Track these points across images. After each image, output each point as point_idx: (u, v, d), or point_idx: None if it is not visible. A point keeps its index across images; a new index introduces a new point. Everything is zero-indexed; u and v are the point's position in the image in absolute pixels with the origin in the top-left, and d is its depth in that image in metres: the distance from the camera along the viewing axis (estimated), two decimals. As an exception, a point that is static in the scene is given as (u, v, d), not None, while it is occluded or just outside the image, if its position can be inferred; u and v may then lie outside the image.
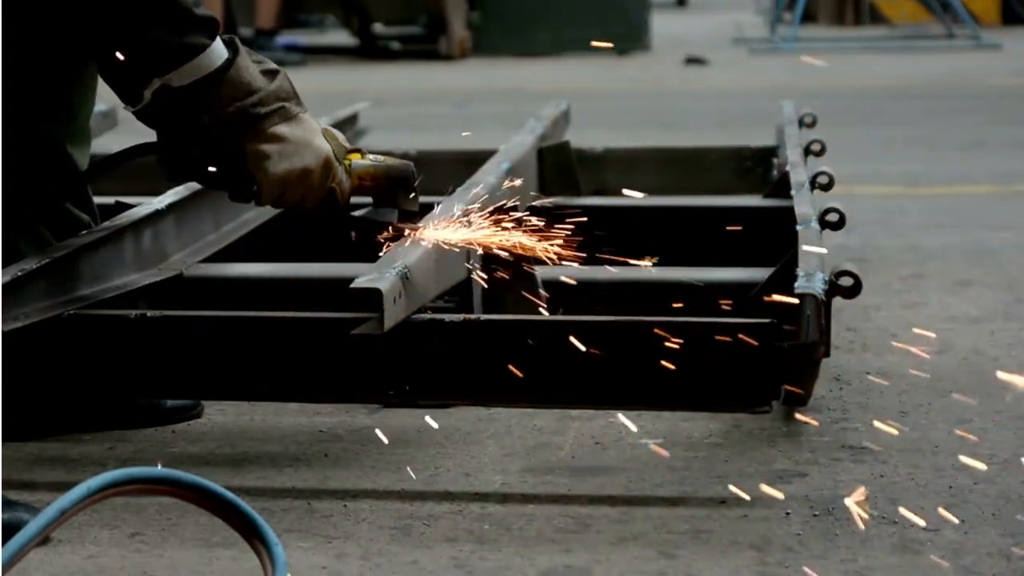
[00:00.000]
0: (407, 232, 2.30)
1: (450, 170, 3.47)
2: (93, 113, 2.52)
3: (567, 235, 2.38)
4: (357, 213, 2.32)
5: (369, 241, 2.31)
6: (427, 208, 2.44)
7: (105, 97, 2.54)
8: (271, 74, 2.21)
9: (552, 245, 2.35)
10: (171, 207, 2.61)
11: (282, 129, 2.19)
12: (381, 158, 2.33)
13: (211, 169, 2.20)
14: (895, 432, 2.40)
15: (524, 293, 2.50)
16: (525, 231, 2.37)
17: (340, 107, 4.03)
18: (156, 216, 2.56)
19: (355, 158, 2.30)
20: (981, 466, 2.18)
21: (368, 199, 2.34)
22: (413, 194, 2.33)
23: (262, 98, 2.17)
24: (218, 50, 2.15)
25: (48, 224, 2.39)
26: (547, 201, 2.87)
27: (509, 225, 2.36)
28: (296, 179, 2.21)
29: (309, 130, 2.22)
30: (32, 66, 2.33)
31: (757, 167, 3.74)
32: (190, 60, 2.12)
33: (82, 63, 2.42)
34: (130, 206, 2.61)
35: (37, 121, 2.37)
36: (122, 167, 2.37)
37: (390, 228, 2.31)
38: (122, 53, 2.15)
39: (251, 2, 10.99)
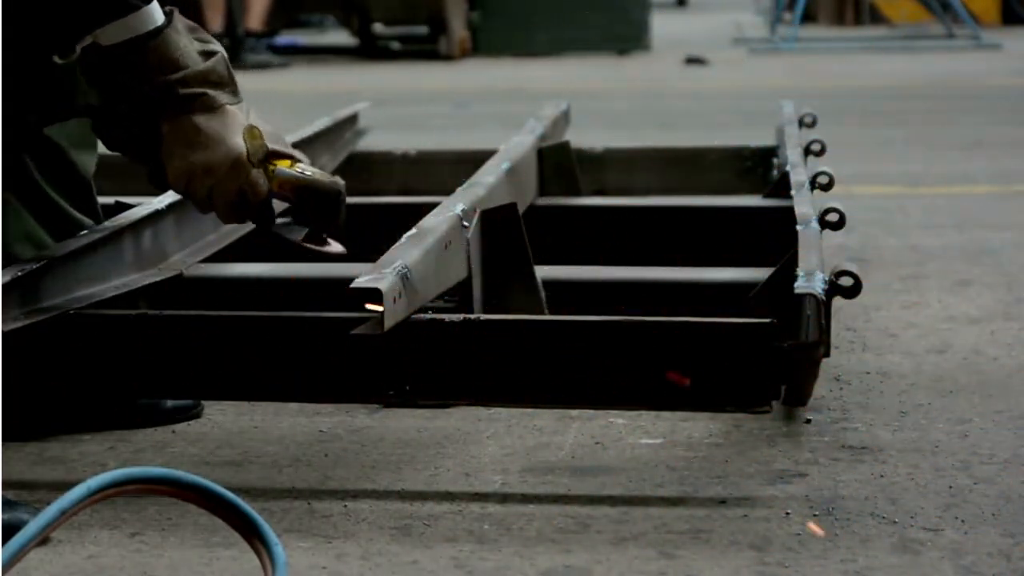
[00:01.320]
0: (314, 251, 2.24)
1: (450, 170, 3.47)
2: None
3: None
4: (279, 222, 2.25)
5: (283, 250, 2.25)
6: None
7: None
8: (207, 55, 2.13)
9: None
10: (171, 207, 2.61)
11: (199, 119, 2.11)
12: (314, 172, 2.23)
13: (132, 141, 2.15)
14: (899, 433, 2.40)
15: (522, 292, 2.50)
16: None
17: (340, 107, 4.03)
18: (156, 216, 2.56)
19: (283, 165, 2.21)
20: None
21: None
22: (333, 215, 2.23)
23: (187, 76, 2.09)
24: (153, 16, 2.07)
25: (51, 230, 2.39)
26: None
27: None
28: (200, 173, 2.13)
29: (227, 125, 2.14)
30: (36, 67, 2.33)
31: (757, 167, 3.74)
32: (121, 17, 2.05)
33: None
34: (130, 206, 2.61)
35: (40, 124, 2.37)
36: (112, 160, 2.34)
37: (294, 245, 2.24)
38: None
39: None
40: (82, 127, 2.45)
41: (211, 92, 2.13)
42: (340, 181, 2.25)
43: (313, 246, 2.25)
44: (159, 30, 2.08)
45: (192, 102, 2.11)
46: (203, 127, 2.12)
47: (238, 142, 2.15)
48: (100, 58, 2.10)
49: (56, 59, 2.15)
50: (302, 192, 2.21)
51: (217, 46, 2.18)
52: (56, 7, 2.08)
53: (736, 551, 1.96)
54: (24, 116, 2.33)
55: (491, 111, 7.77)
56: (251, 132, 2.17)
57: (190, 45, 2.12)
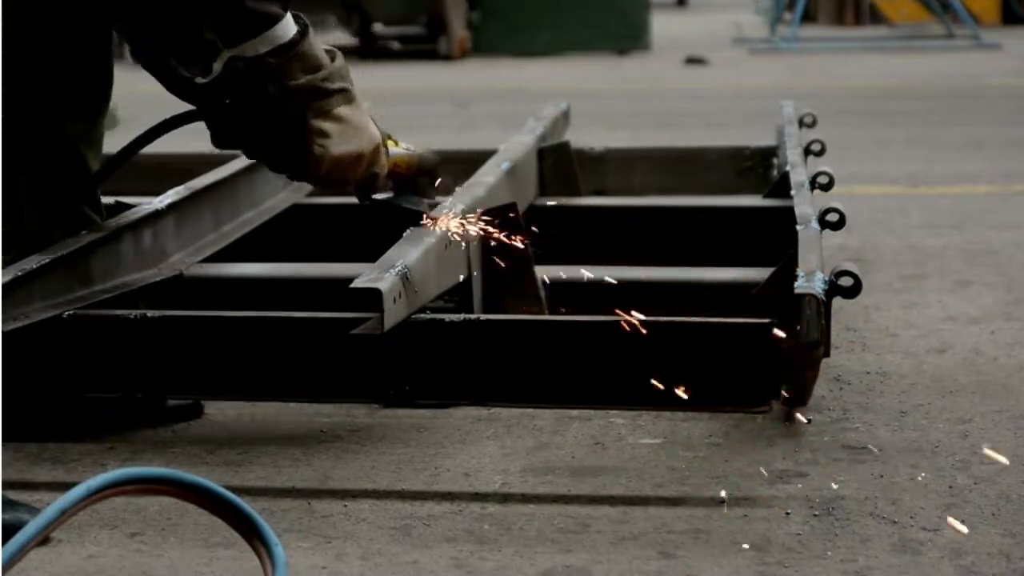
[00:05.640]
0: (436, 220, 2.36)
1: (450, 170, 3.47)
2: None
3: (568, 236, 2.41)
4: (380, 197, 2.37)
5: (390, 226, 2.35)
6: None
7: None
8: (330, 53, 2.24)
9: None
10: (171, 207, 2.62)
11: (343, 111, 2.22)
12: (411, 147, 2.39)
13: (266, 140, 2.22)
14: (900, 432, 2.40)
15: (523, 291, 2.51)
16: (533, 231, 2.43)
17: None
18: (156, 216, 2.56)
19: (391, 145, 2.35)
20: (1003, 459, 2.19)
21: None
22: (438, 184, 2.43)
23: (329, 74, 2.20)
24: (290, 22, 2.17)
25: (60, 224, 2.40)
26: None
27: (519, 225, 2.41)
28: (350, 161, 2.24)
29: (364, 114, 2.27)
30: (61, 70, 2.36)
31: (757, 167, 3.74)
32: (267, 30, 2.14)
33: (104, 68, 2.44)
34: (130, 206, 2.61)
35: (60, 124, 2.40)
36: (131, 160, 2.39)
37: (421, 216, 2.37)
38: (203, 20, 2.16)
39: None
40: (92, 126, 2.48)
41: (347, 86, 2.23)
42: (436, 154, 2.43)
43: (431, 214, 2.40)
44: (301, 35, 2.17)
45: (337, 95, 2.21)
46: (349, 117, 2.23)
47: (375, 129, 2.29)
48: (247, 68, 2.16)
49: (199, 79, 2.21)
50: (414, 168, 2.39)
51: (326, 45, 2.26)
52: (208, 25, 2.17)
53: (736, 551, 1.96)
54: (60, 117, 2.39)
55: (491, 111, 7.77)
56: (373, 119, 2.30)
57: (320, 46, 2.22)
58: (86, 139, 2.45)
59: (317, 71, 2.18)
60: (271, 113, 2.19)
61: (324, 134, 2.21)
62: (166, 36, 2.28)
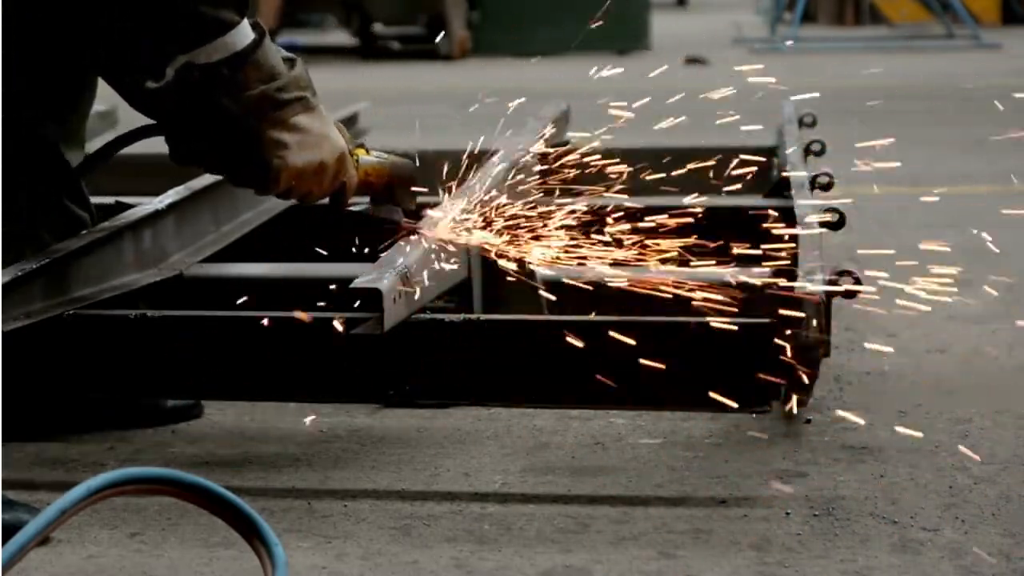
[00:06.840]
0: (416, 230, 2.31)
1: (450, 170, 3.47)
2: (91, 113, 2.52)
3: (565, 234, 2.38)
4: (356, 208, 2.32)
5: (370, 237, 2.32)
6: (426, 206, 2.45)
7: (104, 97, 2.54)
8: (289, 62, 2.18)
9: (550, 246, 2.36)
10: (171, 207, 2.61)
11: (302, 119, 2.16)
12: (384, 154, 2.33)
13: (223, 152, 2.16)
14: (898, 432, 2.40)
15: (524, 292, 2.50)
16: (525, 232, 2.39)
17: (340, 107, 4.03)
18: (156, 216, 2.56)
19: (361, 153, 2.29)
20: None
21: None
22: (413, 192, 2.34)
23: (285, 84, 2.14)
24: (245, 30, 2.11)
25: (47, 223, 2.39)
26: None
27: (510, 226, 2.38)
28: (312, 172, 2.18)
29: (326, 123, 2.20)
30: (40, 70, 2.33)
31: (757, 167, 3.73)
32: (221, 36, 2.08)
33: (87, 66, 2.42)
34: (130, 206, 2.61)
35: (36, 124, 2.37)
36: (112, 160, 2.36)
37: (398, 226, 2.31)
38: (153, 24, 2.10)
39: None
40: (74, 124, 2.46)
41: (306, 94, 2.17)
42: (411, 161, 2.36)
43: (409, 223, 2.34)
44: (256, 44, 2.11)
45: (294, 104, 2.15)
46: (308, 126, 2.17)
47: (339, 138, 2.21)
48: (196, 77, 2.10)
49: (150, 84, 2.16)
50: (386, 176, 2.32)
51: (287, 52, 2.21)
52: (155, 33, 2.11)
53: (736, 551, 1.96)
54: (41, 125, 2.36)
55: (491, 111, 7.76)
56: (338, 127, 2.24)
57: (277, 54, 2.16)
58: (66, 139, 2.43)
59: (273, 80, 2.12)
60: (226, 124, 2.12)
61: (282, 144, 2.14)
62: (117, 39, 2.22)
